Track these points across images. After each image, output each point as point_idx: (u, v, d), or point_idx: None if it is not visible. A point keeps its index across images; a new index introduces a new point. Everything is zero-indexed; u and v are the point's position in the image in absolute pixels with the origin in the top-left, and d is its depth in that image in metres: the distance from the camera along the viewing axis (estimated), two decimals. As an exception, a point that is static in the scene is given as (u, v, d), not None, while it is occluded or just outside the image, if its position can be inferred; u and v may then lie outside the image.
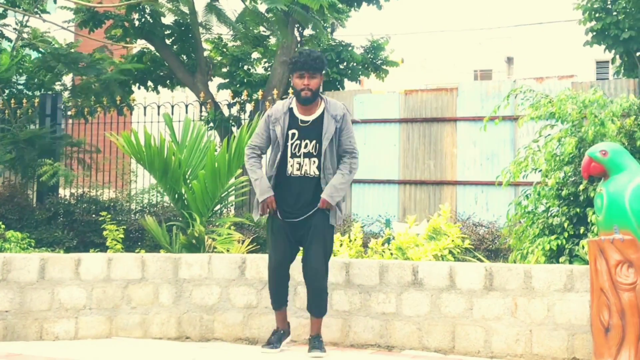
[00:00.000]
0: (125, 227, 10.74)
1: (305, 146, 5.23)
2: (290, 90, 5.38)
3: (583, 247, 5.95)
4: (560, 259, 6.12)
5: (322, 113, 5.28)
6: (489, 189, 10.89)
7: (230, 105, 12.88)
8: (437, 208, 11.35)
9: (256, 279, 5.89)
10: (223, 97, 13.55)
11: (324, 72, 5.40)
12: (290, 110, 5.32)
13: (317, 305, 5.35)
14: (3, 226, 8.28)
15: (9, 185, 12.54)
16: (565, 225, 6.17)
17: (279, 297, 5.42)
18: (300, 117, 5.28)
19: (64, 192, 12.77)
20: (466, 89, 11.38)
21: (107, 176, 13.03)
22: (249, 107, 12.85)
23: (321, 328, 5.41)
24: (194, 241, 7.02)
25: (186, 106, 12.64)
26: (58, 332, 5.64)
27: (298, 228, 5.30)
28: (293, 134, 5.25)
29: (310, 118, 5.29)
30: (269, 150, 5.42)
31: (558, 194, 6.30)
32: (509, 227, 6.73)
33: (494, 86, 11.26)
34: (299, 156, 5.24)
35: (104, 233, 8.33)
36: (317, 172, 5.24)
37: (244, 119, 12.60)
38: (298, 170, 5.23)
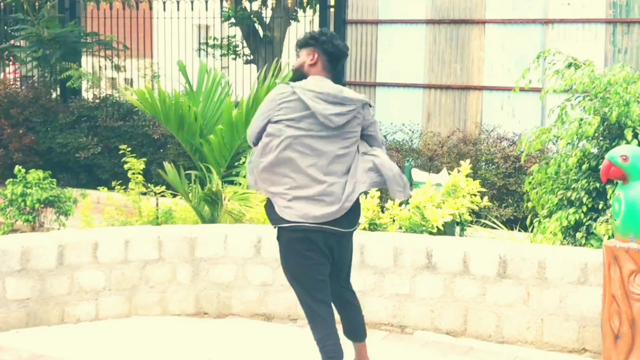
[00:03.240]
0: (148, 134, 10.83)
1: None
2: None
3: (601, 224, 5.88)
4: (577, 235, 6.07)
5: None
6: (515, 94, 10.64)
7: (251, 0, 12.50)
8: (462, 114, 11.17)
9: (272, 257, 5.93)
10: (244, -9, 13.12)
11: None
12: None
13: (363, 325, 4.64)
14: (23, 170, 8.31)
15: (33, 87, 12.48)
16: (584, 199, 6.07)
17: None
18: None
19: (87, 95, 12.69)
20: (496, -11, 10.89)
21: (130, 75, 12.89)
22: (270, 1, 12.46)
23: None
24: (212, 195, 7.04)
25: (206, 2, 12.28)
26: (79, 315, 5.81)
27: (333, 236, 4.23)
28: None
29: None
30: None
31: (579, 165, 6.16)
32: (529, 192, 6.64)
33: (526, -14, 10.75)
34: None
35: (125, 167, 8.35)
36: None
37: (266, 17, 12.23)
38: None
